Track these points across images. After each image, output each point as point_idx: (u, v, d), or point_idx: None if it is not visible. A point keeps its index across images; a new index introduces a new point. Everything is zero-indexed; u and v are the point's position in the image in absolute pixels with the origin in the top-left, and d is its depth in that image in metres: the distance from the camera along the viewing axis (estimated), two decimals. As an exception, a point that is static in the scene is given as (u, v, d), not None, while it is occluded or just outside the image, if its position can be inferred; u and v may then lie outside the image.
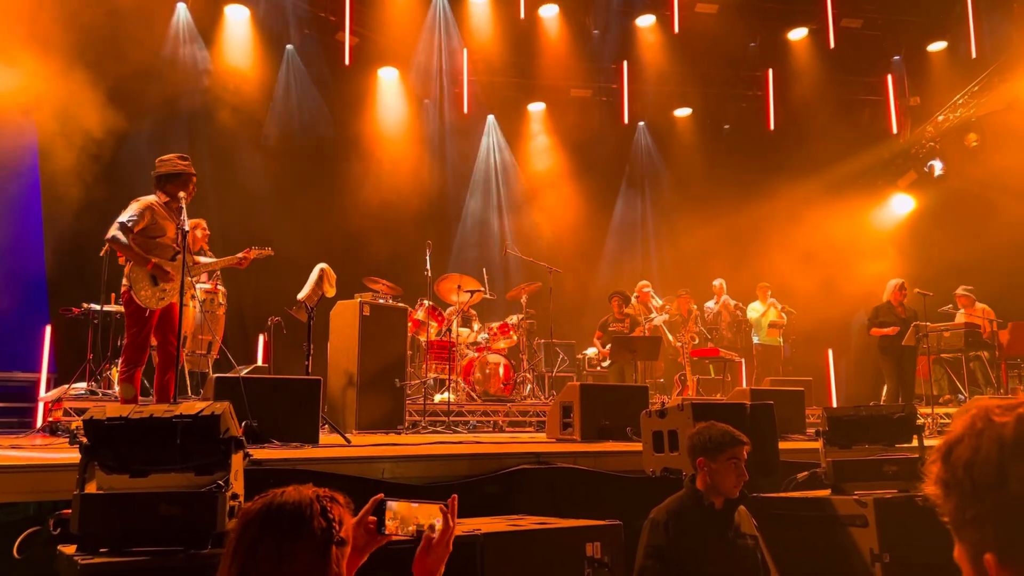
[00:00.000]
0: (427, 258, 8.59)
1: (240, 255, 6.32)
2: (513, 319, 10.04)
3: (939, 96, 14.21)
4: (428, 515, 1.99)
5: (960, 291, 10.75)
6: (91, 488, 2.80)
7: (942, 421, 8.62)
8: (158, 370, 5.76)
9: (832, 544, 4.27)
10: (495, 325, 9.94)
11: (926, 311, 9.61)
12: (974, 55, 13.50)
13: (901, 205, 14.73)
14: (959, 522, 0.96)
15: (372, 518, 1.97)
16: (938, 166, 14.06)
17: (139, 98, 9.94)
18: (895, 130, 14.83)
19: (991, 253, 12.00)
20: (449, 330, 9.33)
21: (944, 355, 10.53)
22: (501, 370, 9.49)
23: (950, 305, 10.81)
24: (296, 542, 1.61)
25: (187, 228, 5.36)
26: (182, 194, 5.64)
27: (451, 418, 8.06)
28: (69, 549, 2.72)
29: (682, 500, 3.66)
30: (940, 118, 14.21)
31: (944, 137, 14.12)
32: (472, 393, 9.25)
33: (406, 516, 1.97)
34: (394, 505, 1.97)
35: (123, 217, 5.59)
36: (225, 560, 1.65)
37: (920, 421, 4.80)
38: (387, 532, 1.95)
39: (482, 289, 9.87)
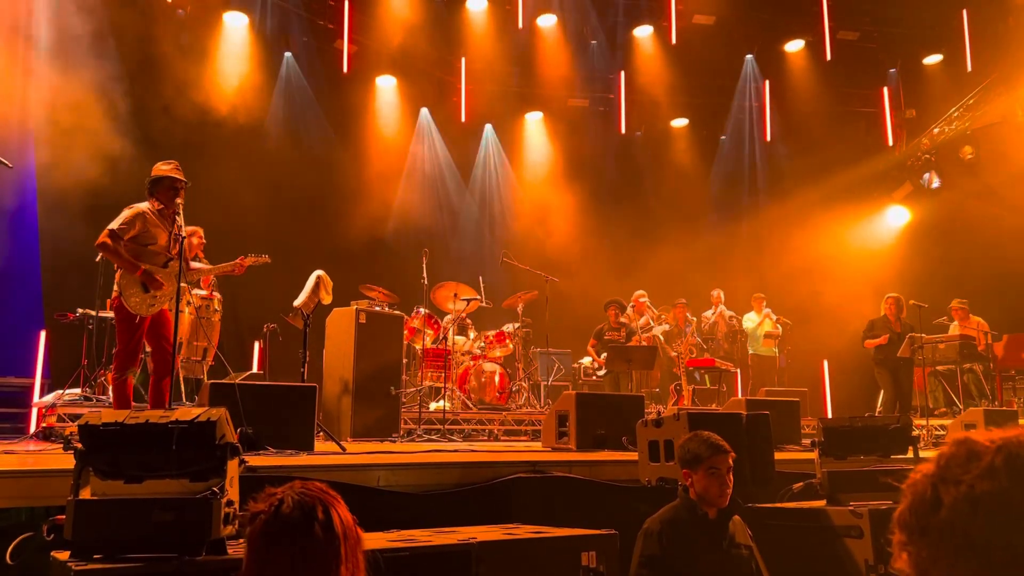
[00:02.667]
0: (423, 266, 8.58)
1: (235, 262, 6.32)
2: (509, 328, 10.04)
3: (934, 109, 14.28)
4: None
5: (955, 304, 10.79)
6: (85, 494, 2.79)
7: (937, 433, 8.64)
8: (153, 376, 5.75)
9: (827, 555, 4.26)
10: (491, 333, 9.93)
11: (921, 323, 9.65)
12: (969, 68, 13.58)
13: (896, 217, 14.77)
14: (920, 567, 0.98)
15: None
16: (934, 179, 14.11)
17: (137, 103, 9.93)
18: (891, 142, 14.88)
19: (986, 266, 12.05)
20: (445, 338, 9.32)
21: (939, 367, 10.56)
22: (497, 379, 9.48)
23: (945, 317, 10.84)
24: (311, 550, 1.64)
25: (183, 234, 5.35)
26: (179, 200, 5.64)
27: (446, 426, 8.04)
28: (63, 555, 2.70)
29: (676, 510, 3.66)
30: (935, 131, 14.27)
31: (939, 150, 14.18)
32: (468, 401, 9.24)
33: None
34: None
35: (113, 224, 5.59)
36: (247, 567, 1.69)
37: (915, 432, 4.80)
38: None
39: (478, 297, 9.87)
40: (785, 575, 4.18)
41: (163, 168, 5.83)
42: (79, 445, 2.81)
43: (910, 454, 4.68)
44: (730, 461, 3.61)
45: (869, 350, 10.15)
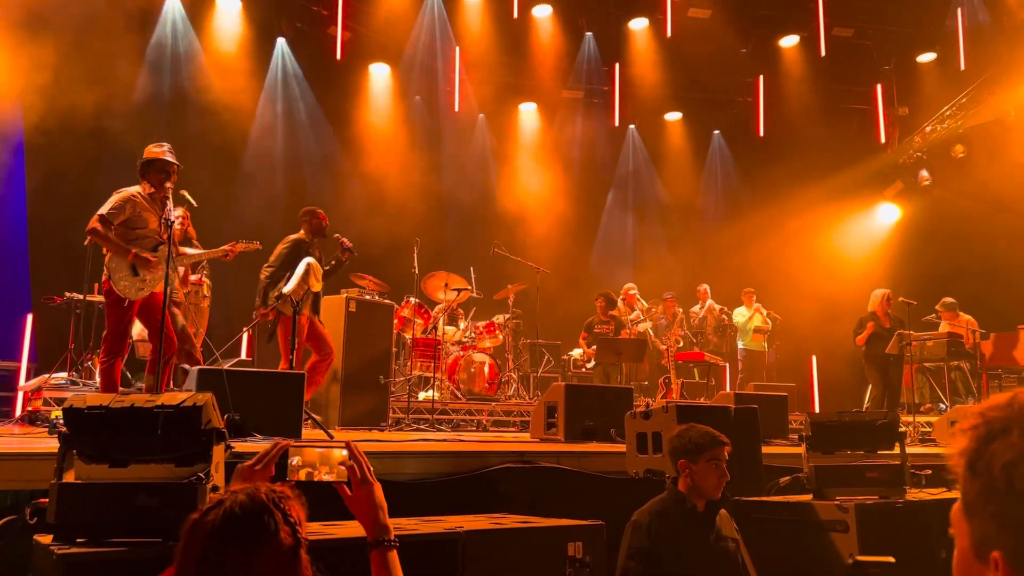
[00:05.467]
0: (415, 255, 8.56)
1: (226, 248, 6.29)
2: (499, 318, 10.03)
3: (927, 107, 14.31)
4: (333, 459, 1.96)
5: (944, 302, 10.84)
6: (69, 477, 2.76)
7: (923, 429, 8.69)
8: (149, 362, 5.74)
9: (813, 549, 4.28)
10: (481, 324, 9.92)
11: (910, 320, 9.68)
12: (963, 67, 13.60)
13: (887, 215, 14.82)
14: (975, 508, 0.93)
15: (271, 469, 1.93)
16: (926, 176, 14.15)
17: (126, 87, 9.86)
18: (883, 140, 14.92)
19: (975, 264, 12.11)
20: (435, 328, 9.30)
21: (927, 364, 10.61)
22: (486, 369, 9.48)
23: (934, 315, 10.89)
24: (265, 556, 1.51)
25: (172, 219, 5.31)
26: (168, 184, 5.60)
27: (435, 416, 8.04)
28: (46, 539, 2.68)
29: (664, 502, 3.66)
30: (928, 129, 14.31)
31: (931, 148, 14.22)
32: (457, 392, 9.23)
33: (311, 461, 1.94)
34: (298, 451, 1.94)
35: (103, 209, 5.55)
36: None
37: (902, 428, 4.82)
38: (289, 477, 1.93)
39: (469, 288, 9.85)
40: (771, 568, 4.19)
41: (155, 151, 5.78)
42: (63, 428, 2.79)
43: (896, 450, 4.70)
44: (727, 454, 3.62)
45: (857, 346, 10.19)
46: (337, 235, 7.52)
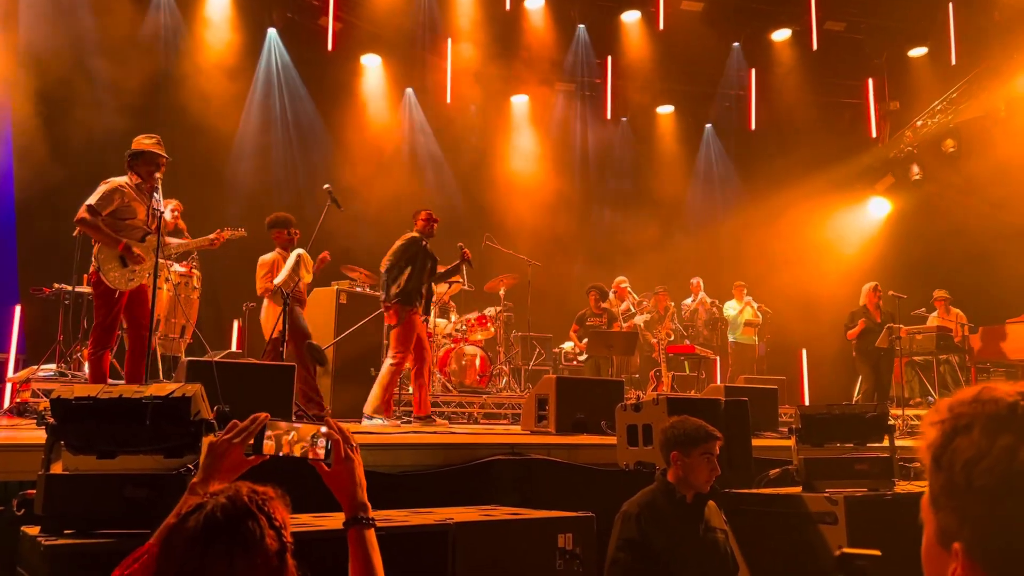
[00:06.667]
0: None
1: (212, 236, 6.26)
2: (491, 311, 10.02)
3: (918, 101, 14.34)
4: (311, 434, 1.90)
5: (936, 295, 10.90)
6: (57, 468, 2.74)
7: (912, 423, 8.73)
8: (129, 354, 5.68)
9: (802, 541, 4.30)
10: (472, 317, 9.91)
11: (900, 314, 9.72)
12: (954, 62, 13.64)
13: (878, 209, 14.86)
14: (939, 502, 0.94)
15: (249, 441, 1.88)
16: (917, 170, 14.19)
17: (115, 77, 9.78)
18: (874, 134, 14.95)
19: (965, 258, 12.16)
20: (426, 320, 9.28)
21: (916, 358, 10.66)
22: (477, 362, 9.48)
23: (924, 308, 10.94)
24: (250, 562, 1.43)
25: (162, 209, 5.28)
26: (158, 175, 5.57)
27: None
28: (33, 530, 2.67)
29: (653, 493, 3.67)
30: (919, 123, 14.34)
31: (922, 142, 14.26)
32: (448, 384, 9.23)
33: (286, 436, 1.88)
34: (275, 425, 1.88)
35: (91, 200, 5.51)
36: None
37: (891, 421, 4.84)
38: (265, 452, 1.86)
39: (460, 280, 9.83)
40: (760, 560, 4.21)
41: (144, 142, 5.74)
42: (51, 419, 2.77)
43: (886, 442, 4.72)
44: (718, 448, 3.64)
45: (848, 340, 10.23)
46: (461, 244, 7.79)
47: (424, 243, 7.39)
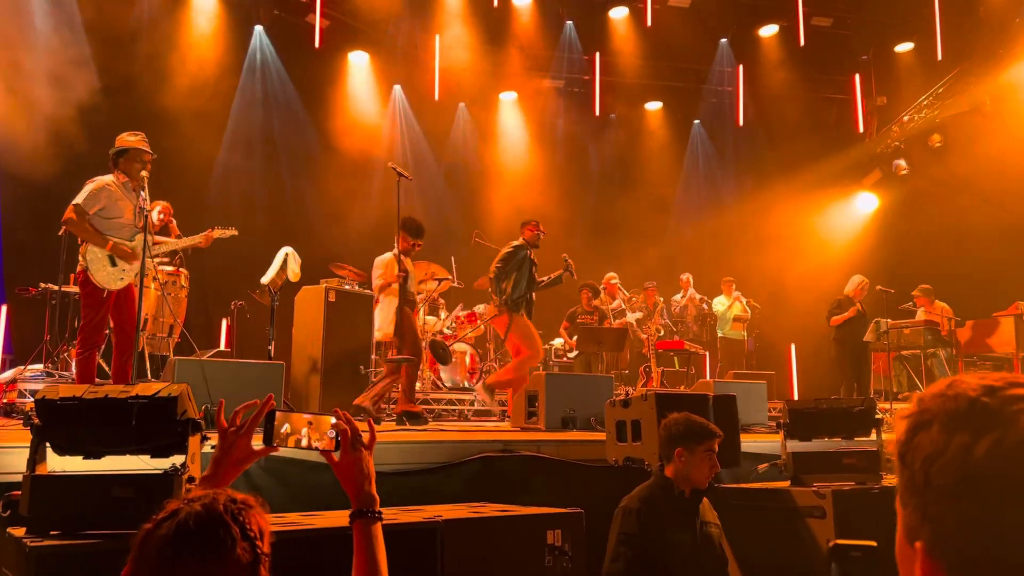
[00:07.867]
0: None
1: (202, 235, 6.24)
2: (480, 308, 10.01)
3: (905, 97, 14.41)
4: (323, 425, 1.90)
5: (919, 289, 10.94)
6: (42, 469, 2.73)
7: (900, 416, 8.77)
8: (115, 353, 5.65)
9: (790, 535, 4.32)
10: (462, 314, 9.90)
11: (887, 308, 9.77)
12: (940, 57, 13.70)
13: (865, 204, 14.93)
14: (903, 498, 0.94)
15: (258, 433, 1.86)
16: (903, 165, 14.25)
17: (100, 75, 9.71)
18: (861, 129, 15.01)
19: (952, 252, 12.22)
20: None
21: (904, 352, 10.71)
22: (467, 359, 9.47)
23: (910, 303, 10.99)
24: (220, 572, 1.40)
25: (147, 207, 5.25)
26: (144, 172, 5.54)
27: (416, 406, 8.00)
28: (18, 531, 2.65)
29: (651, 488, 3.70)
30: (905, 118, 14.40)
31: (909, 137, 14.32)
32: (438, 382, 9.22)
33: (297, 427, 1.87)
34: (286, 417, 1.87)
35: (78, 199, 5.48)
36: None
37: (879, 415, 4.87)
38: (276, 444, 1.84)
39: (450, 278, 9.82)
40: (749, 554, 4.23)
41: (129, 139, 5.70)
42: (36, 420, 2.75)
43: (873, 436, 4.74)
44: (717, 445, 3.67)
45: (830, 327, 10.26)
46: (565, 255, 8.07)
47: (529, 252, 7.60)
